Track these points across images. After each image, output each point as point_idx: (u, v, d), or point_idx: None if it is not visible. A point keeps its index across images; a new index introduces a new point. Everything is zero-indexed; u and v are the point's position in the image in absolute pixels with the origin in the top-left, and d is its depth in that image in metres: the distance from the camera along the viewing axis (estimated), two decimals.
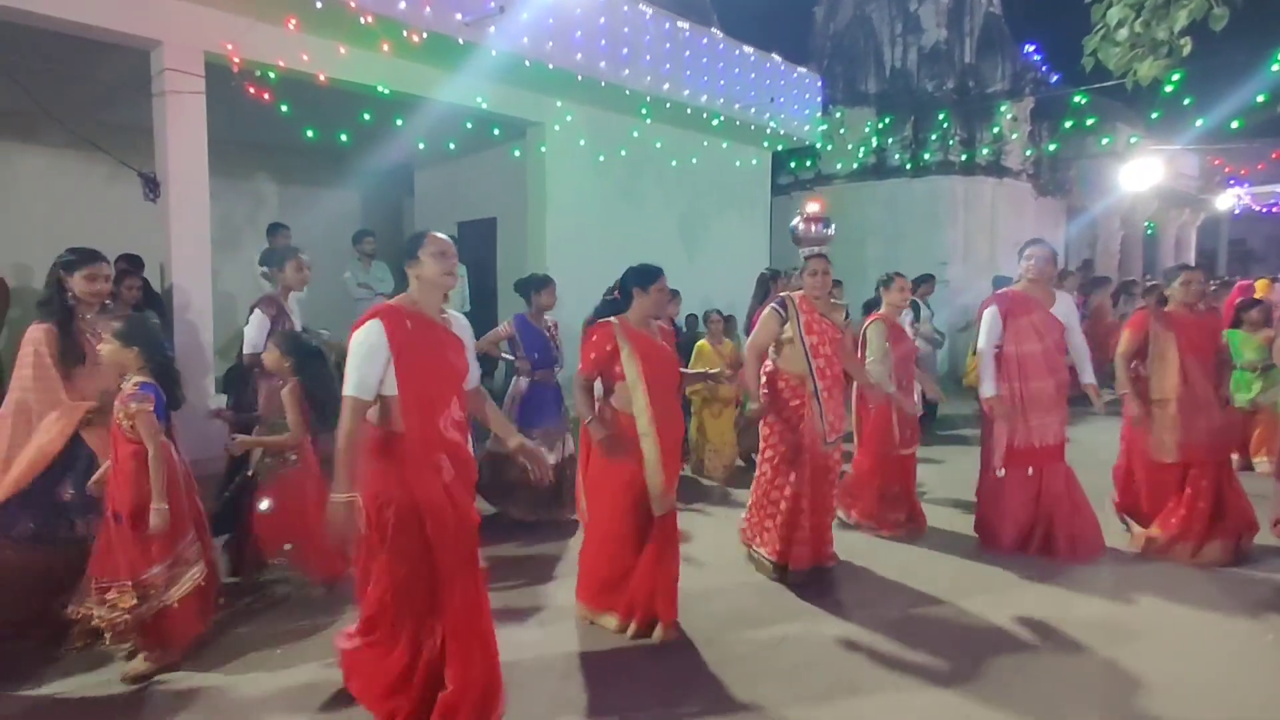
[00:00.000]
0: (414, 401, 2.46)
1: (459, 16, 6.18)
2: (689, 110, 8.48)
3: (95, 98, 6.68)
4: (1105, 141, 13.11)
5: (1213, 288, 8.07)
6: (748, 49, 9.11)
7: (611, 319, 3.32)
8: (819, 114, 10.51)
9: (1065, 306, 4.29)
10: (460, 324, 2.74)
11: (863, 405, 4.79)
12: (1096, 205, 14.20)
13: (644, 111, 8.32)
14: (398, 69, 6.41)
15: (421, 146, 7.59)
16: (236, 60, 5.56)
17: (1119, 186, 13.58)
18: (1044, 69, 12.67)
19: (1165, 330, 4.24)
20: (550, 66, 6.91)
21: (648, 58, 7.85)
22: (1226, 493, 4.17)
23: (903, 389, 4.65)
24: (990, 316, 4.29)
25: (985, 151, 11.76)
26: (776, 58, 9.56)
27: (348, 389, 2.44)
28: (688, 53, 8.33)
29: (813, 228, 4.25)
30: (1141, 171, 13.20)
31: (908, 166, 11.73)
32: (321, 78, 5.94)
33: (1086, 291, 10.14)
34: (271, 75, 5.78)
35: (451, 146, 7.74)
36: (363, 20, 5.66)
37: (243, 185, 8.92)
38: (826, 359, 3.87)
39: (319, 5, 5.43)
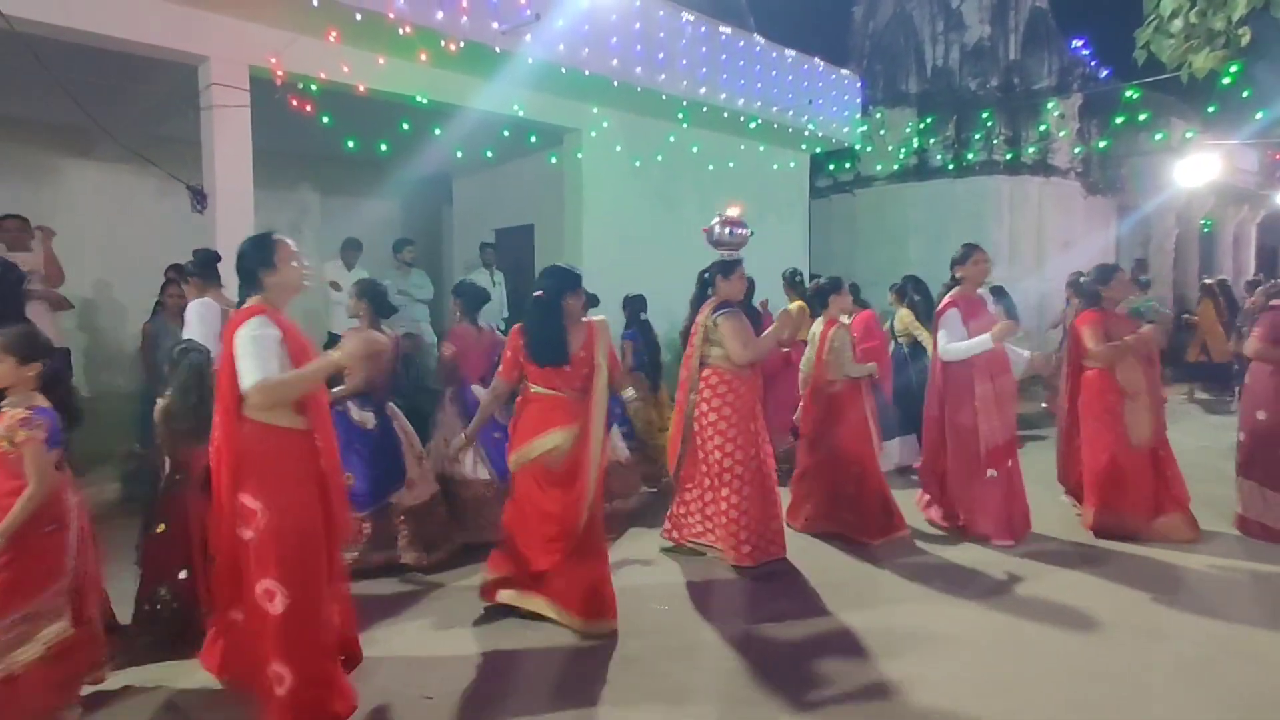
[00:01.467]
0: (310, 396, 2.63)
1: (495, 25, 6.22)
2: (726, 114, 8.42)
3: (146, 113, 6.88)
4: (1159, 137, 12.67)
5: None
6: (785, 51, 9.01)
7: None
8: (858, 115, 10.35)
9: (990, 303, 4.67)
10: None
11: (809, 404, 4.83)
12: (1149, 203, 13.74)
13: (680, 116, 8.28)
14: (435, 78, 6.48)
15: (459, 155, 7.66)
16: (280, 73, 5.68)
17: (1174, 183, 13.11)
18: (1093, 64, 12.31)
19: (1118, 329, 4.63)
20: (586, 73, 6.92)
21: (684, 62, 7.81)
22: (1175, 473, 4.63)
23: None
24: (953, 318, 4.57)
25: (1032, 150, 11.47)
26: (815, 59, 9.44)
27: (256, 376, 2.47)
28: (724, 56, 8.28)
29: (729, 230, 4.22)
30: (1198, 167, 12.71)
31: (950, 167, 11.50)
32: (361, 88, 6.03)
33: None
34: (313, 87, 5.89)
35: (489, 154, 7.80)
36: (401, 31, 5.73)
37: (286, 196, 9.11)
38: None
39: (359, 18, 5.52)
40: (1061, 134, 11.66)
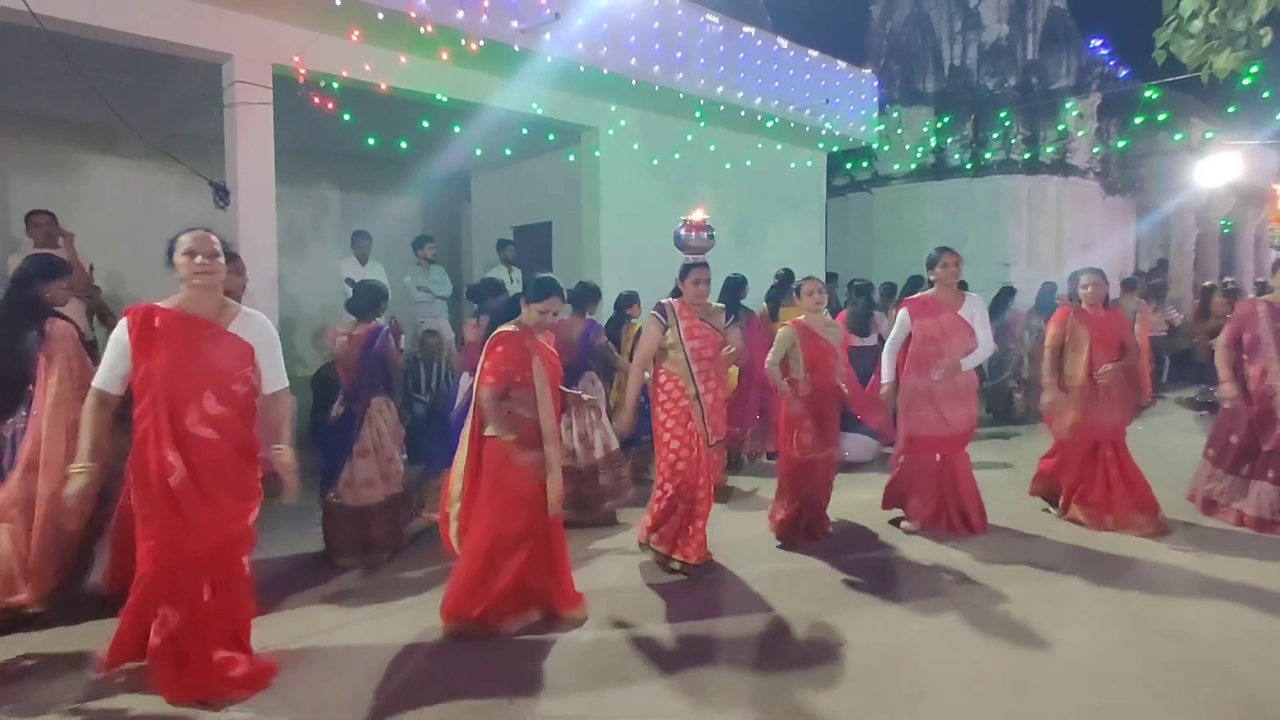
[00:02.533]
0: (150, 395, 2.67)
1: (515, 24, 6.26)
2: (743, 113, 8.42)
3: (170, 110, 6.97)
4: (1178, 137, 12.56)
5: None
6: (803, 50, 9.01)
7: (512, 328, 3.38)
8: (875, 114, 10.32)
9: (972, 307, 4.68)
10: (252, 326, 2.88)
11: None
12: (1169, 203, 13.62)
13: (698, 114, 8.30)
14: (456, 76, 6.52)
15: (478, 153, 7.71)
16: (302, 71, 5.74)
17: (1193, 183, 13.00)
18: (1112, 63, 12.22)
19: (1080, 325, 4.75)
20: (605, 71, 6.95)
21: (702, 61, 7.83)
22: (1130, 471, 4.71)
23: (822, 391, 4.50)
24: (901, 317, 4.75)
25: (1050, 150, 11.41)
26: (832, 59, 9.43)
27: (95, 381, 2.76)
28: (742, 55, 8.28)
29: (694, 235, 4.18)
30: (1218, 167, 12.60)
31: (968, 166, 11.45)
32: (383, 86, 6.08)
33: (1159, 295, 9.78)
34: (335, 85, 5.95)
35: (508, 152, 7.85)
36: (423, 30, 5.78)
37: (307, 193, 9.19)
38: (709, 361, 4.02)
39: (380, 16, 5.57)
40: (1080, 134, 11.59)
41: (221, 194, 5.90)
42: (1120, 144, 12.23)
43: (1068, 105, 11.38)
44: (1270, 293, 4.88)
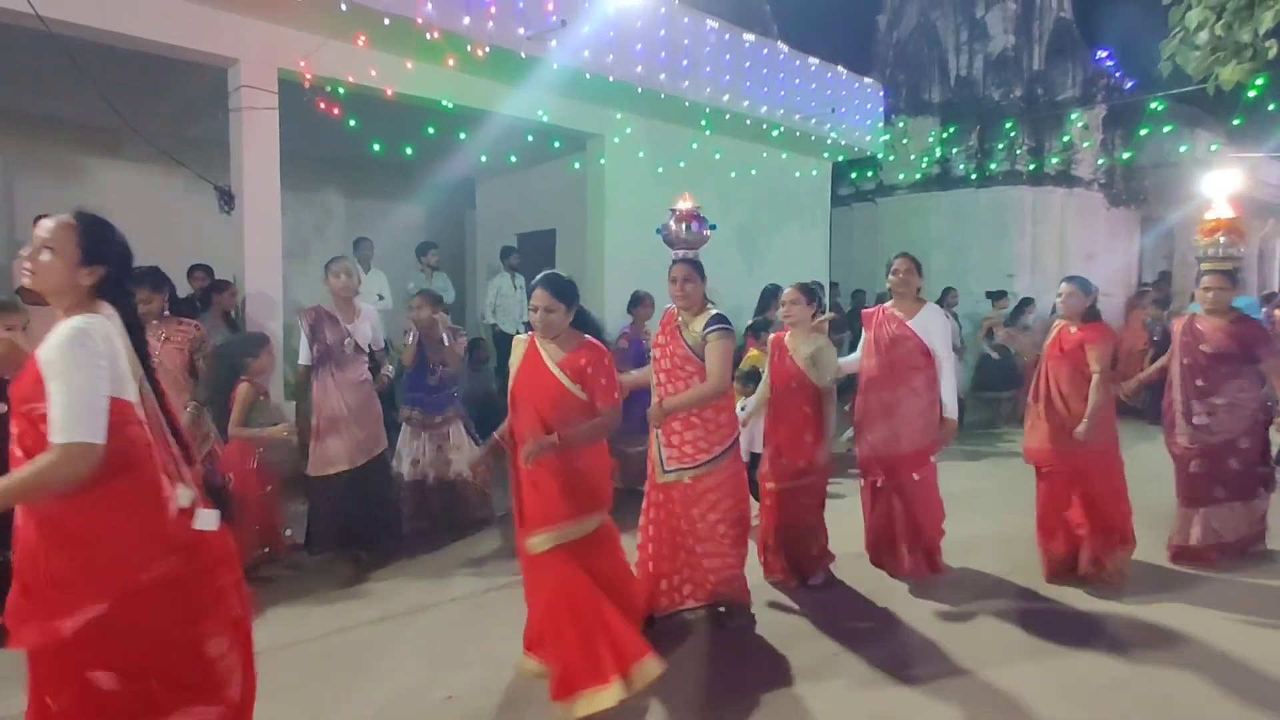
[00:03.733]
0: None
1: (521, 31, 6.26)
2: (749, 121, 8.41)
3: (176, 114, 6.97)
4: (1183, 149, 12.54)
5: None
6: (809, 59, 9.00)
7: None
8: (881, 124, 10.32)
9: (927, 319, 4.11)
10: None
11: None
12: (1173, 216, 13.59)
13: (703, 123, 8.29)
14: (461, 83, 6.52)
15: (483, 159, 7.71)
16: (308, 76, 5.74)
17: (1198, 196, 12.96)
18: (1118, 75, 12.21)
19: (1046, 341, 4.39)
20: (611, 79, 6.94)
21: (708, 69, 7.82)
22: (1094, 503, 4.06)
23: (784, 416, 4.08)
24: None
25: (1055, 161, 11.39)
26: (838, 68, 9.42)
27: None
28: (748, 64, 8.28)
29: (684, 227, 3.56)
30: (1222, 180, 12.54)
31: (973, 176, 11.43)
32: (389, 92, 6.08)
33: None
34: (341, 90, 5.95)
35: (513, 159, 7.83)
36: (429, 36, 5.78)
37: (312, 198, 9.19)
38: (667, 374, 3.42)
39: (387, 22, 5.57)
40: (1085, 145, 11.57)
41: (226, 198, 5.88)
42: (1125, 156, 12.20)
43: (1073, 116, 11.37)
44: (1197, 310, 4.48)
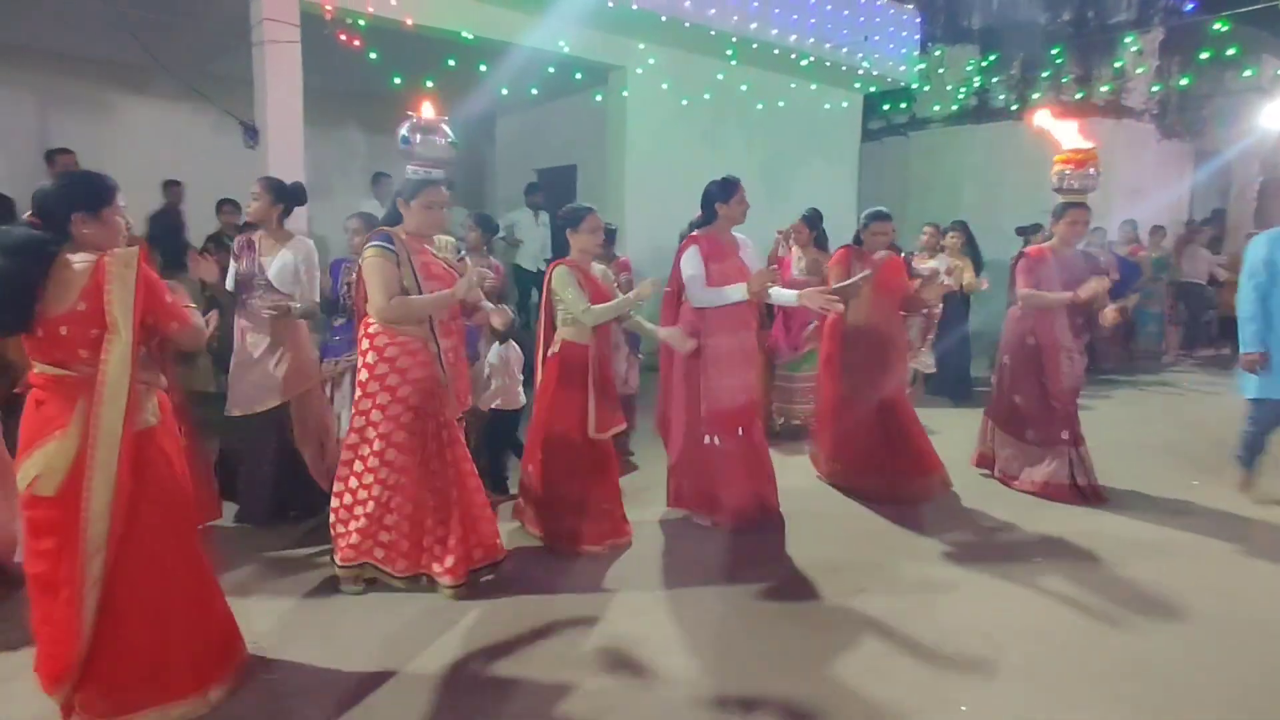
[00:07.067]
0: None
1: None
2: (776, 51, 8.16)
3: (201, 49, 7.01)
4: (1247, 74, 11.82)
5: None
6: None
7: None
8: (916, 53, 9.92)
9: (749, 253, 3.87)
10: None
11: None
12: (1231, 148, 12.92)
13: (729, 53, 8.07)
14: (482, 13, 6.44)
15: (504, 93, 7.63)
16: (329, 8, 5.72)
17: (1260, 126, 12.28)
18: None
19: (860, 269, 4.23)
20: (634, 7, 6.79)
21: None
22: (896, 431, 4.25)
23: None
24: (692, 255, 3.71)
25: (1105, 89, 10.84)
26: None
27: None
28: None
29: (423, 140, 3.06)
30: None
31: (1013, 108, 10.97)
32: (408, 22, 6.03)
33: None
34: (361, 22, 5.92)
35: (534, 92, 7.75)
36: None
37: (333, 134, 9.21)
38: (451, 312, 3.08)
39: None
40: (1139, 71, 10.97)
41: (250, 133, 5.97)
42: (1183, 82, 11.55)
43: (1126, 40, 10.76)
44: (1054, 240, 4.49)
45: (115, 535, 2.10)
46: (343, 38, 5.91)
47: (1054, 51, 10.60)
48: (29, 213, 2.22)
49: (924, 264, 6.47)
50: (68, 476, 2.08)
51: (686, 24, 7.25)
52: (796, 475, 4.56)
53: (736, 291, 3.59)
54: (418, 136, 3.05)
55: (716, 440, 3.76)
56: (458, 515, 3.02)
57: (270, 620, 2.87)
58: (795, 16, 8.14)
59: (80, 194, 2.21)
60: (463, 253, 4.21)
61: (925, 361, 6.56)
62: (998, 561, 3.50)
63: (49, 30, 6.82)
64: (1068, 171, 4.41)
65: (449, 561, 2.99)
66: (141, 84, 7.68)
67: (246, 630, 2.56)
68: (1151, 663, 2.67)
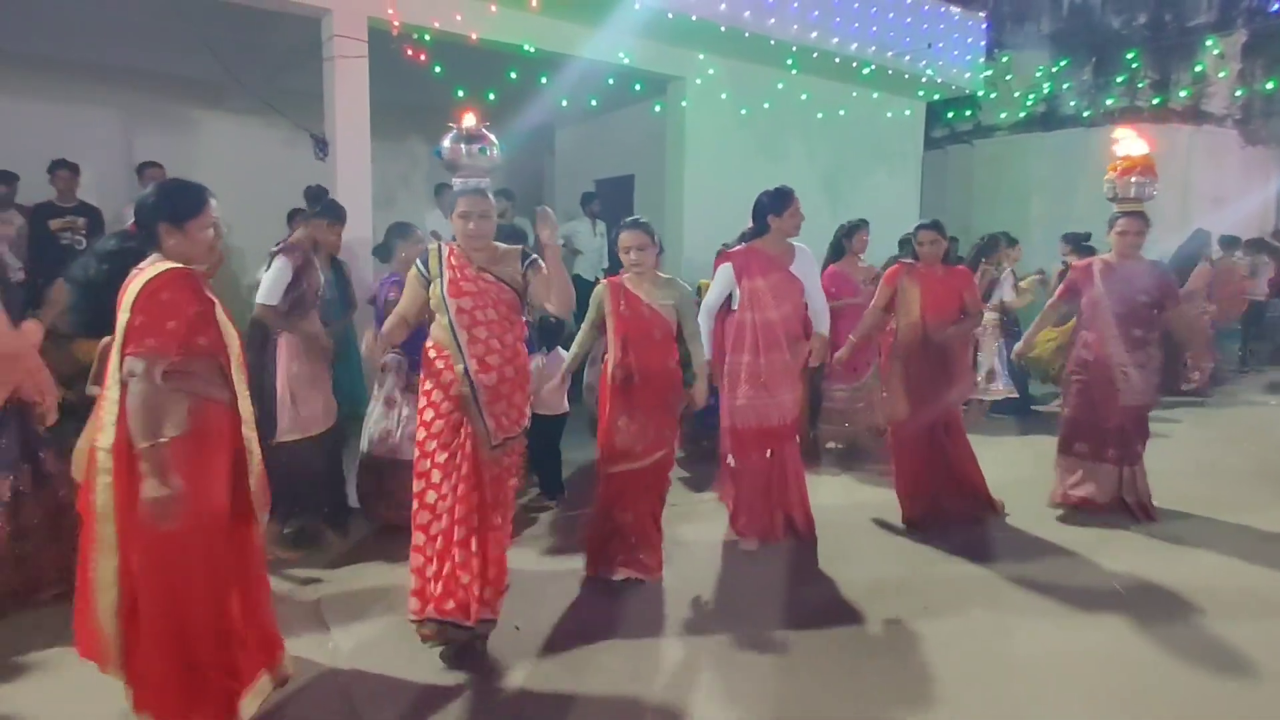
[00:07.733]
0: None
1: None
2: (838, 60, 8.05)
3: (274, 66, 7.26)
4: None
5: None
6: None
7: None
8: (982, 59, 9.67)
9: (805, 263, 3.76)
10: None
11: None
12: None
13: (789, 62, 7.99)
14: (544, 27, 6.51)
15: (564, 104, 7.70)
16: (396, 24, 5.86)
17: None
18: None
19: (911, 285, 4.09)
20: (694, 18, 6.77)
21: (795, 5, 7.49)
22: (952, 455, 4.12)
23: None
24: (720, 275, 3.76)
25: (1184, 94, 10.40)
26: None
27: None
28: None
29: (466, 150, 2.96)
30: None
31: (1085, 114, 10.61)
32: (473, 37, 6.14)
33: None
34: (427, 37, 6.04)
35: (593, 104, 7.80)
36: None
37: (398, 147, 9.42)
38: (487, 327, 2.81)
39: None
40: (1221, 75, 10.49)
41: (321, 146, 6.14)
42: (1268, 85, 11.01)
43: (1208, 43, 10.31)
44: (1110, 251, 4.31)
45: (124, 538, 2.12)
46: (409, 53, 6.05)
47: (1129, 56, 10.22)
48: (132, 221, 2.31)
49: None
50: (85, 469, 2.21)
51: (746, 34, 7.21)
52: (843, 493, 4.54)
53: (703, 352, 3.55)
54: (447, 145, 2.98)
55: (732, 461, 3.77)
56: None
57: (342, 627, 2.91)
58: (856, 25, 8.01)
59: (166, 206, 2.28)
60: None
61: (995, 388, 6.39)
62: (1050, 593, 3.34)
63: (134, 50, 7.15)
64: (1121, 180, 4.32)
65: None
66: (218, 100, 7.98)
67: (321, 637, 2.60)
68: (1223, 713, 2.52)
